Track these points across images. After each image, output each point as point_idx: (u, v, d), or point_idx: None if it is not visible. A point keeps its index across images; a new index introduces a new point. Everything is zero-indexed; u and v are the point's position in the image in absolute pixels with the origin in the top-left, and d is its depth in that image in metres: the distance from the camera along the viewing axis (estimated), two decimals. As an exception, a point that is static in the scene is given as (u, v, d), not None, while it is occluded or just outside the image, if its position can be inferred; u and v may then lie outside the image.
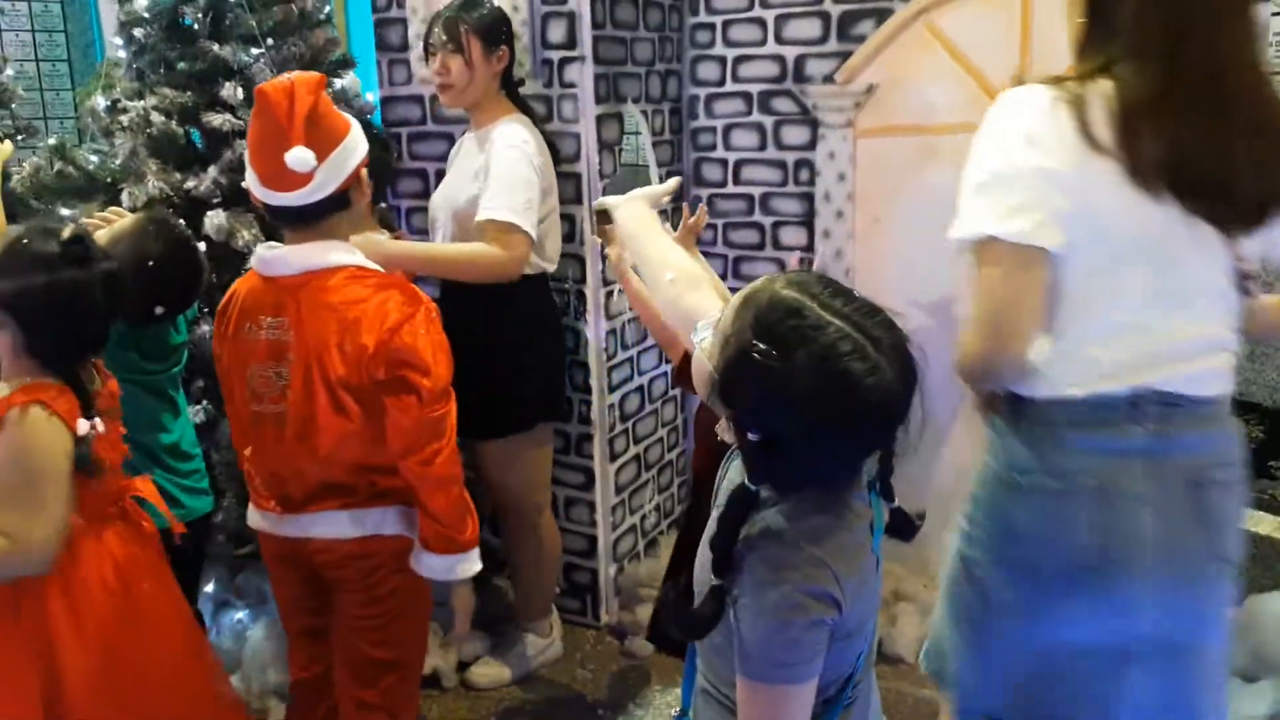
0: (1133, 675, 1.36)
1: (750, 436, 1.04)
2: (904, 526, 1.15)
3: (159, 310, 1.95)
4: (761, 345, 1.00)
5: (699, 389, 1.13)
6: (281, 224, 1.77)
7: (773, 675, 1.06)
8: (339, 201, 1.72)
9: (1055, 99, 1.28)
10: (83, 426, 1.50)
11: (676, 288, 1.22)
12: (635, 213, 1.40)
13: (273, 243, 1.85)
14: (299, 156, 1.62)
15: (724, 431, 1.11)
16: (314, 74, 1.70)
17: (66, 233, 1.53)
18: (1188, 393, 1.32)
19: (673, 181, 1.55)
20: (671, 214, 2.94)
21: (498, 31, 2.35)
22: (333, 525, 1.77)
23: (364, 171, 1.76)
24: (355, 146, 1.73)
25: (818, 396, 0.99)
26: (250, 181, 1.71)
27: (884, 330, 1.01)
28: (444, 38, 2.30)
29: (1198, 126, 1.25)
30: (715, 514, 1.12)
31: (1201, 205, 1.27)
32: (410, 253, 2.24)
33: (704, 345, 1.11)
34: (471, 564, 1.77)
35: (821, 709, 1.13)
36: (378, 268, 1.76)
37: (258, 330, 1.74)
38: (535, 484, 2.55)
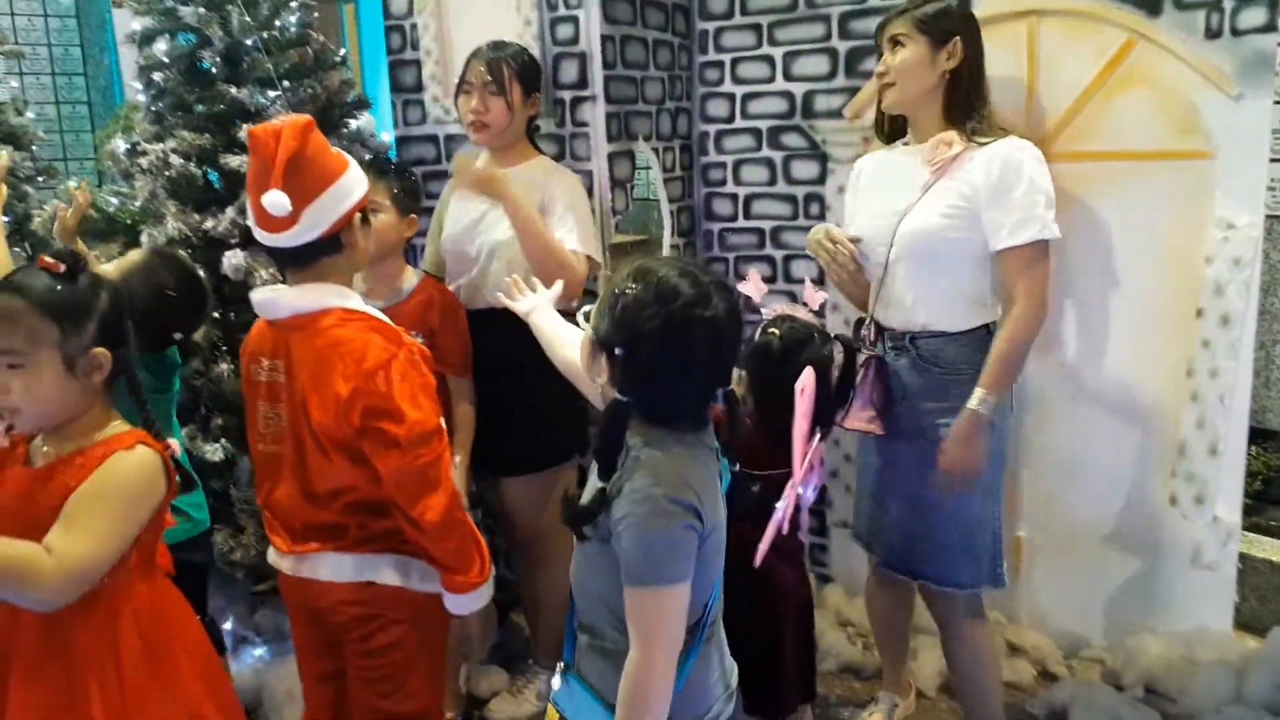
0: None
1: (617, 353, 1.33)
2: (741, 489, 1.45)
3: (176, 336, 2.09)
4: (628, 284, 1.33)
5: (583, 362, 1.44)
6: (278, 264, 1.80)
7: (653, 577, 1.28)
8: (330, 244, 1.68)
9: None
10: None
11: (577, 351, 1.55)
12: (542, 315, 1.82)
13: (271, 285, 1.86)
14: (273, 200, 1.60)
15: (606, 390, 1.38)
16: (303, 117, 1.66)
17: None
18: None
19: (558, 285, 1.91)
20: (684, 248, 2.98)
21: (536, 78, 2.42)
22: (326, 567, 1.75)
23: (358, 216, 1.71)
24: (348, 190, 1.69)
25: (663, 310, 1.31)
26: (250, 220, 1.71)
27: (720, 284, 1.35)
28: (487, 78, 2.33)
29: None
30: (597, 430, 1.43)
31: None
32: (520, 205, 2.25)
33: (588, 324, 1.42)
34: (482, 598, 1.75)
35: (689, 634, 1.34)
36: (369, 310, 1.72)
37: (260, 371, 1.76)
38: (557, 519, 2.52)
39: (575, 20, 2.52)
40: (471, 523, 1.73)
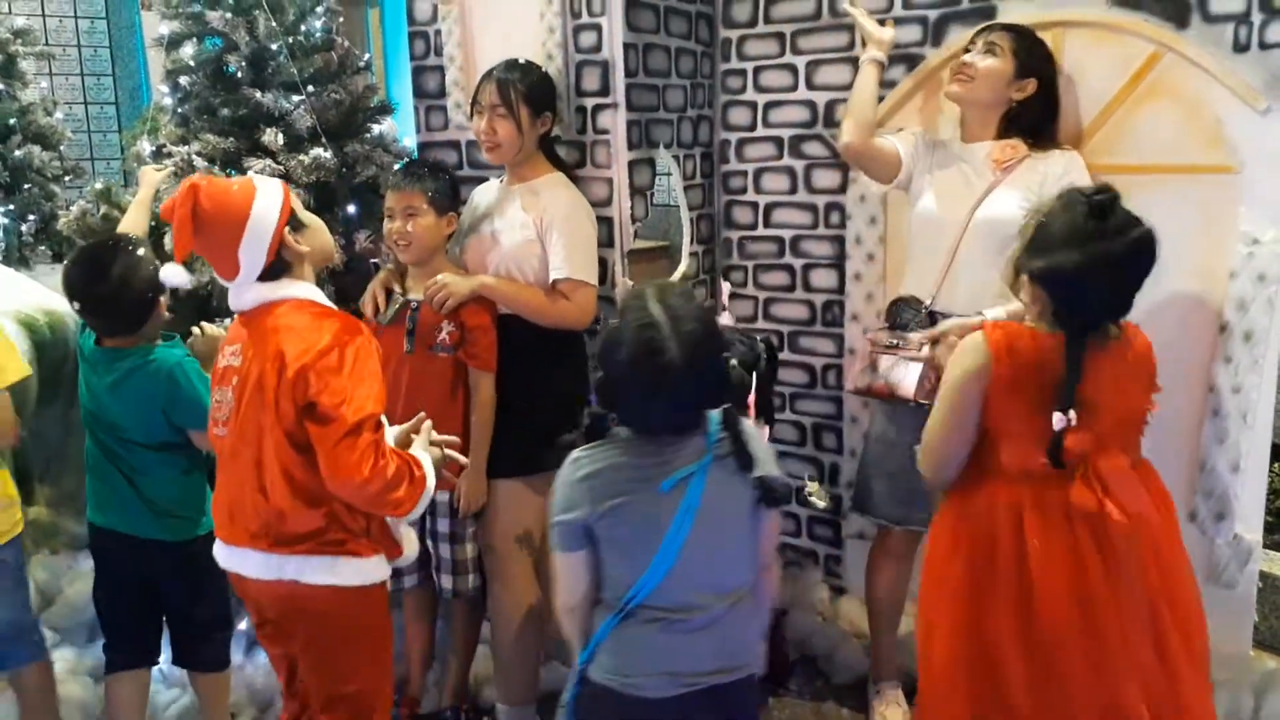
0: None
1: (597, 374, 1.57)
2: (767, 492, 1.56)
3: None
4: (618, 317, 1.56)
5: None
6: None
7: (553, 544, 1.62)
8: (277, 267, 1.77)
9: None
10: None
11: None
12: None
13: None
14: (168, 274, 1.90)
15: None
16: (193, 176, 1.77)
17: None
18: None
19: None
20: (702, 255, 2.98)
21: (547, 97, 2.43)
22: (251, 563, 1.81)
23: (287, 231, 1.77)
24: (264, 219, 1.73)
25: (622, 349, 1.52)
26: None
27: (693, 325, 1.51)
28: (495, 100, 2.36)
29: None
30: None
31: None
32: (499, 286, 2.34)
33: None
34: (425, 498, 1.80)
35: (605, 611, 1.59)
36: (327, 301, 1.81)
37: (223, 359, 1.85)
38: (535, 533, 2.40)
39: (598, 28, 2.53)
40: (395, 471, 1.72)
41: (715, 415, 1.60)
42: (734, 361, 1.87)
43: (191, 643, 2.29)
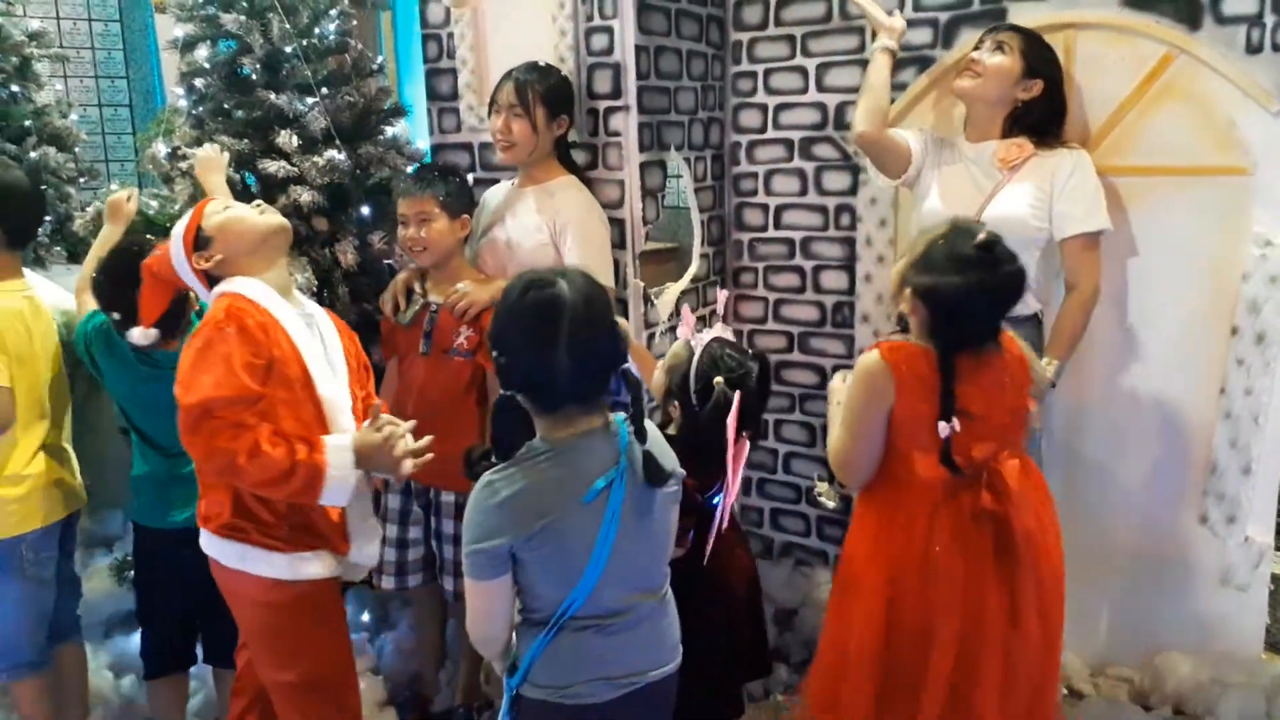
0: None
1: (497, 359, 1.52)
2: (649, 467, 1.53)
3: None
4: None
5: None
6: None
7: (471, 574, 1.52)
8: (215, 278, 1.89)
9: None
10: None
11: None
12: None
13: None
14: (136, 336, 2.07)
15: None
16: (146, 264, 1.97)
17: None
18: None
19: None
20: (712, 257, 2.99)
21: (564, 100, 2.45)
22: (202, 537, 1.88)
23: (195, 255, 1.88)
24: (178, 261, 1.91)
25: (517, 313, 1.50)
26: None
27: (581, 279, 1.51)
28: (512, 100, 2.38)
29: None
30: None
31: None
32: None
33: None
34: (337, 481, 1.79)
35: (538, 623, 1.55)
36: (255, 292, 1.83)
37: None
38: None
39: (610, 31, 2.54)
40: (264, 454, 1.72)
41: (621, 417, 1.58)
42: (719, 379, 1.87)
43: (224, 641, 2.22)
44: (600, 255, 2.40)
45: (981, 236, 1.77)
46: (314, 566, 1.86)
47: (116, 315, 2.14)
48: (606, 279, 2.38)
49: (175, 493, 2.17)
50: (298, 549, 1.84)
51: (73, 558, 2.37)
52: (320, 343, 1.92)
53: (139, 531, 2.28)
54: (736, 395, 1.82)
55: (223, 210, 1.92)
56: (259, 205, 1.98)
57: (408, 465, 1.83)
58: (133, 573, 2.42)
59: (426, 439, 1.88)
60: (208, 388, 1.69)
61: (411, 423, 1.91)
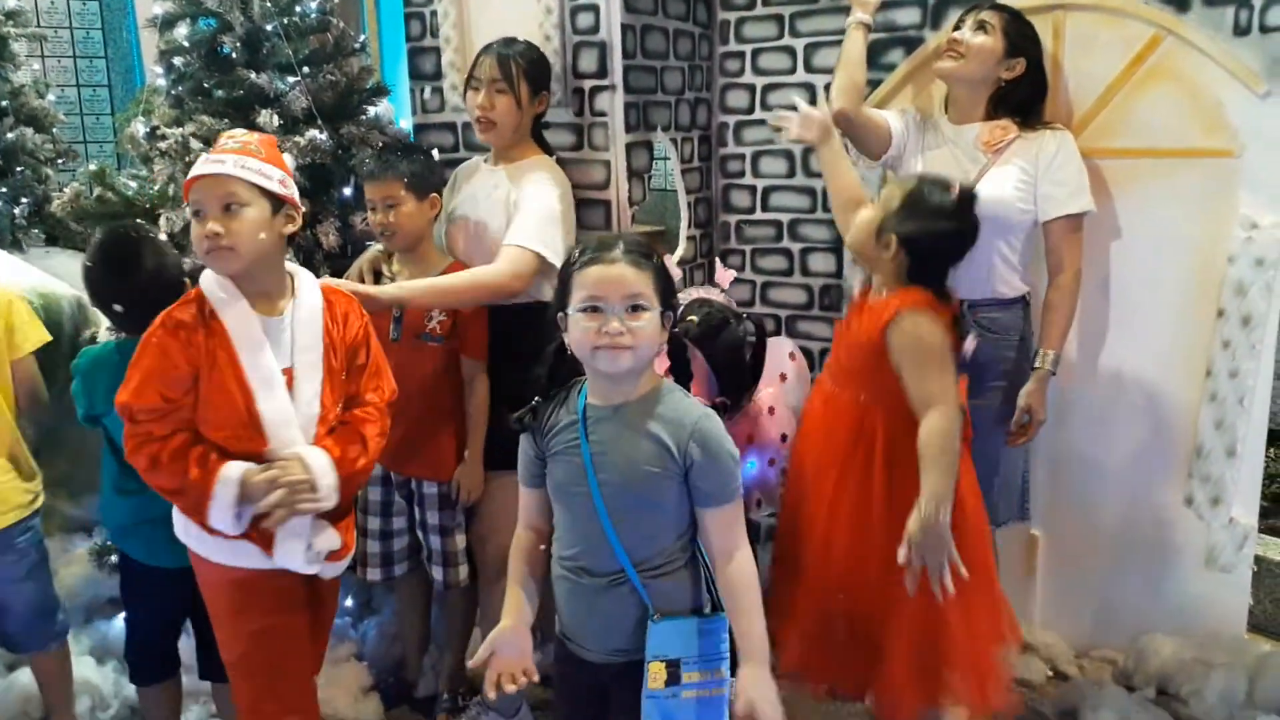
0: None
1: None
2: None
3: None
4: None
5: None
6: None
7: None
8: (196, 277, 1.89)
9: None
10: None
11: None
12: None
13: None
14: None
15: None
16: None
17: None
18: None
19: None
20: (700, 240, 2.97)
21: (545, 76, 2.41)
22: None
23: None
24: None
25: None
26: None
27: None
28: (495, 75, 2.31)
29: None
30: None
31: None
32: (417, 289, 2.20)
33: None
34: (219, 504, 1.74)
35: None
36: (213, 293, 1.77)
37: None
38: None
39: (595, 9, 2.51)
40: (167, 470, 1.73)
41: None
42: (693, 317, 1.91)
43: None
44: (538, 222, 2.27)
45: (957, 187, 1.91)
46: (230, 555, 1.80)
47: (118, 307, 2.02)
48: (532, 243, 2.24)
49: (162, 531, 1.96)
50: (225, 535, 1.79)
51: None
52: (289, 351, 1.80)
53: (128, 562, 2.14)
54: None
55: None
56: None
57: (278, 515, 1.73)
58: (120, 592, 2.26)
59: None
60: (128, 393, 1.73)
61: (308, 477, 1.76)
